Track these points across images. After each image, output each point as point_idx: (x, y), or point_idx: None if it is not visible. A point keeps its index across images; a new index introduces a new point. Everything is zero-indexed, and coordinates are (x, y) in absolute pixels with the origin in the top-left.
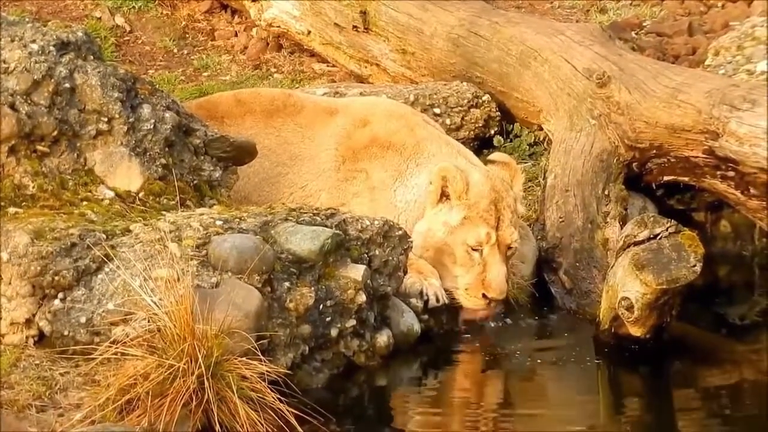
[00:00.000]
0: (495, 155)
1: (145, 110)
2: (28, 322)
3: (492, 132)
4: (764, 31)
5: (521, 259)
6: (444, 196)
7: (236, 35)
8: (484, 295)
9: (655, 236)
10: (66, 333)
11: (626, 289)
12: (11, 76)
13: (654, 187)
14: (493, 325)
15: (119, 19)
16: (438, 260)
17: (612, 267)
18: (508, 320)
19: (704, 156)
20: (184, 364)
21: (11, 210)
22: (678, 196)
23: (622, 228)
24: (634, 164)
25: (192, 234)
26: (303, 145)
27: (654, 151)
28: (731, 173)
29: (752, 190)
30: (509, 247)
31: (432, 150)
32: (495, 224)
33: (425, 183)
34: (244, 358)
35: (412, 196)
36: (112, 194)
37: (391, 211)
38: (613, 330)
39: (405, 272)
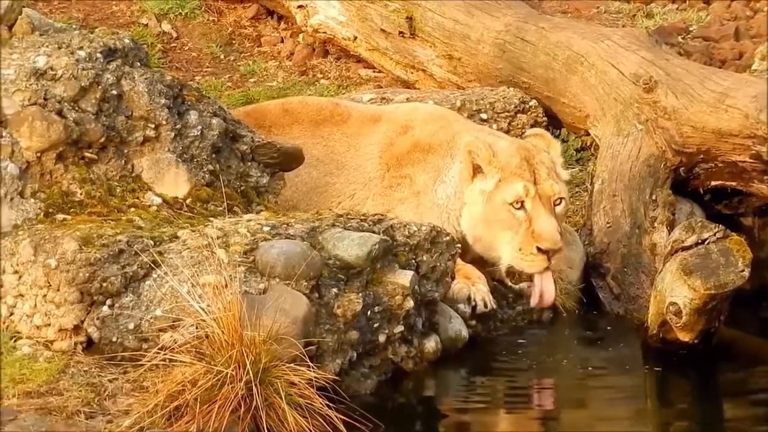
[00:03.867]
0: (529, 131)
1: (192, 117)
2: (77, 329)
3: None
4: None
5: (569, 265)
6: (476, 171)
7: (282, 41)
8: (539, 250)
9: (703, 241)
10: (114, 339)
11: (674, 294)
12: (59, 83)
13: (701, 192)
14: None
15: (166, 26)
16: (488, 235)
17: (660, 272)
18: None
19: (751, 160)
20: (233, 371)
21: (59, 217)
22: (725, 200)
23: (669, 233)
24: (682, 169)
25: (239, 240)
26: (349, 155)
27: (701, 156)
28: None
29: None
30: (554, 202)
31: (465, 140)
32: (531, 178)
33: (458, 169)
34: (292, 365)
35: (450, 189)
36: (159, 201)
37: (435, 211)
38: (661, 335)
39: (452, 278)
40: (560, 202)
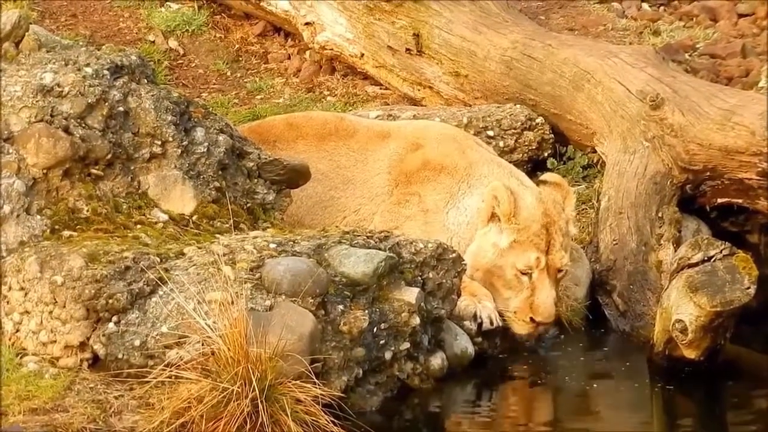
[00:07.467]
0: (547, 176)
1: (199, 133)
2: (83, 346)
3: (545, 154)
4: None
5: (575, 282)
6: (494, 215)
7: (289, 58)
8: (532, 319)
9: (709, 258)
10: (120, 356)
11: (680, 312)
12: (65, 100)
13: (708, 209)
14: (544, 348)
15: (173, 43)
16: (488, 281)
17: (666, 289)
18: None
19: (758, 178)
20: (238, 387)
21: (65, 233)
22: (732, 218)
23: (675, 250)
24: (688, 186)
25: (246, 257)
26: (356, 169)
27: (707, 173)
28: None
29: None
30: (559, 271)
31: (484, 172)
32: (545, 248)
33: (477, 204)
34: (298, 381)
35: (464, 218)
36: (165, 217)
37: (444, 233)
38: (667, 352)
39: (458, 295)
40: (564, 272)
